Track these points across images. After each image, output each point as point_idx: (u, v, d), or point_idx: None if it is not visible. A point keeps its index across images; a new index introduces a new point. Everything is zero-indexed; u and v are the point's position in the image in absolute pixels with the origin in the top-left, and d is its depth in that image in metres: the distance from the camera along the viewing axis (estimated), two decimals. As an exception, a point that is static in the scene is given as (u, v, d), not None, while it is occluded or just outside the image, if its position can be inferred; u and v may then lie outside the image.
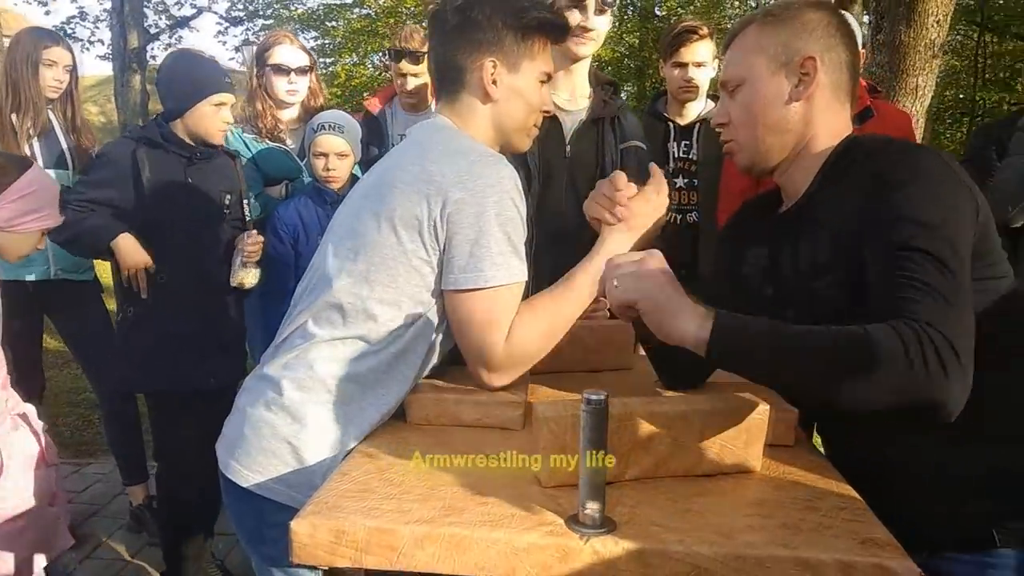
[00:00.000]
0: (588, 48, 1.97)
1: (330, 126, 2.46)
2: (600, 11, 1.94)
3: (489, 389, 1.28)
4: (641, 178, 2.20)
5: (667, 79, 2.79)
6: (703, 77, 2.72)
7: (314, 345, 1.27)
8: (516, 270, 1.25)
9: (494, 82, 1.34)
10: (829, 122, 1.21)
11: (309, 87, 2.87)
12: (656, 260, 1.09)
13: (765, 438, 1.11)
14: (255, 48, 3.00)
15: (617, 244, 1.33)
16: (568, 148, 2.01)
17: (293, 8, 16.09)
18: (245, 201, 2.47)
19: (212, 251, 2.37)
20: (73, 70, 2.76)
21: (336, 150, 2.46)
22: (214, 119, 2.33)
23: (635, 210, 1.34)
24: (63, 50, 2.70)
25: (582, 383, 1.03)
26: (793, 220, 1.24)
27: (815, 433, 1.37)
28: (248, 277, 2.39)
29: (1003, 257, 1.12)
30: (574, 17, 1.91)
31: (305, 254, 2.44)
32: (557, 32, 1.41)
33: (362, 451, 1.18)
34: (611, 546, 0.90)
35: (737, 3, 16.33)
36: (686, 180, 2.75)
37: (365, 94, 3.35)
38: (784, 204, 1.31)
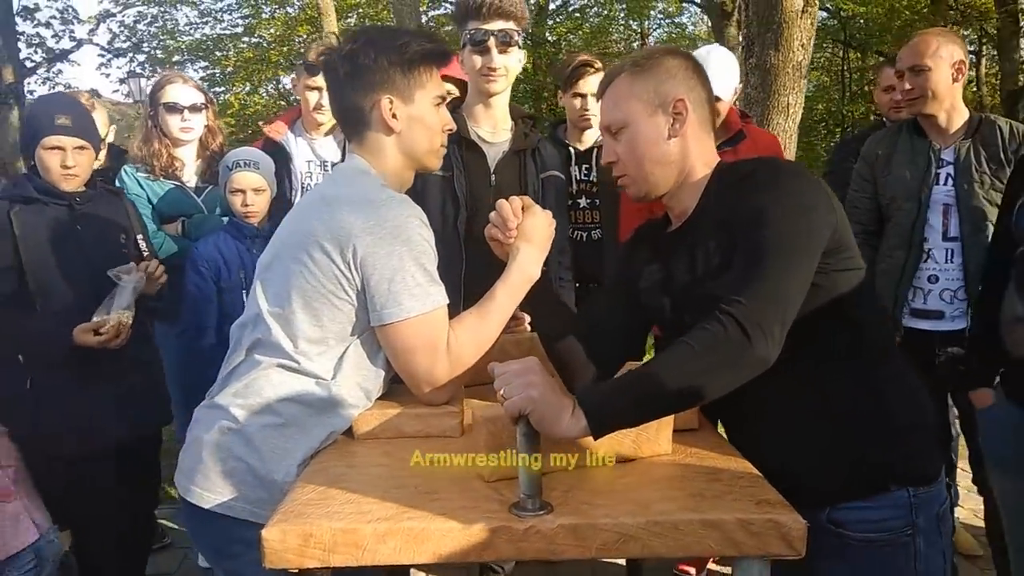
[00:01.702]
0: (498, 85, 2.13)
1: (245, 163, 2.53)
2: (502, 51, 2.10)
3: (432, 404, 1.41)
4: (558, 204, 2.38)
5: (567, 108, 2.99)
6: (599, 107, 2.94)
7: (262, 374, 1.37)
8: (435, 296, 1.39)
9: (394, 116, 1.46)
10: (701, 151, 1.41)
11: (207, 126, 2.92)
12: (534, 371, 1.14)
13: (673, 425, 1.29)
14: (149, 87, 3.00)
15: (526, 257, 1.49)
16: (493, 178, 2.15)
17: (180, 39, 15.71)
18: (139, 237, 2.42)
19: None
20: None
21: (253, 186, 2.52)
22: (50, 165, 2.18)
23: (530, 225, 1.51)
24: None
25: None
26: (684, 235, 1.43)
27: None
28: (125, 316, 2.12)
29: (858, 253, 1.35)
30: (479, 60, 2.07)
31: (227, 288, 2.48)
32: (439, 58, 1.52)
33: (316, 466, 1.29)
34: (549, 525, 1.04)
35: (622, 28, 17.07)
36: (588, 201, 2.95)
37: (260, 122, 3.33)
38: (672, 224, 1.50)
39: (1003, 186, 2.16)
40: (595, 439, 1.14)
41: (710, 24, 14.07)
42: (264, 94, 17.15)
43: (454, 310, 1.47)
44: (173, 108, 2.80)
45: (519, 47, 2.15)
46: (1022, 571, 1.92)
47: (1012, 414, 1.85)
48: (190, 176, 2.90)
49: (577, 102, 2.93)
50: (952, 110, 2.33)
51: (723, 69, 2.55)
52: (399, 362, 1.40)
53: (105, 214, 2.31)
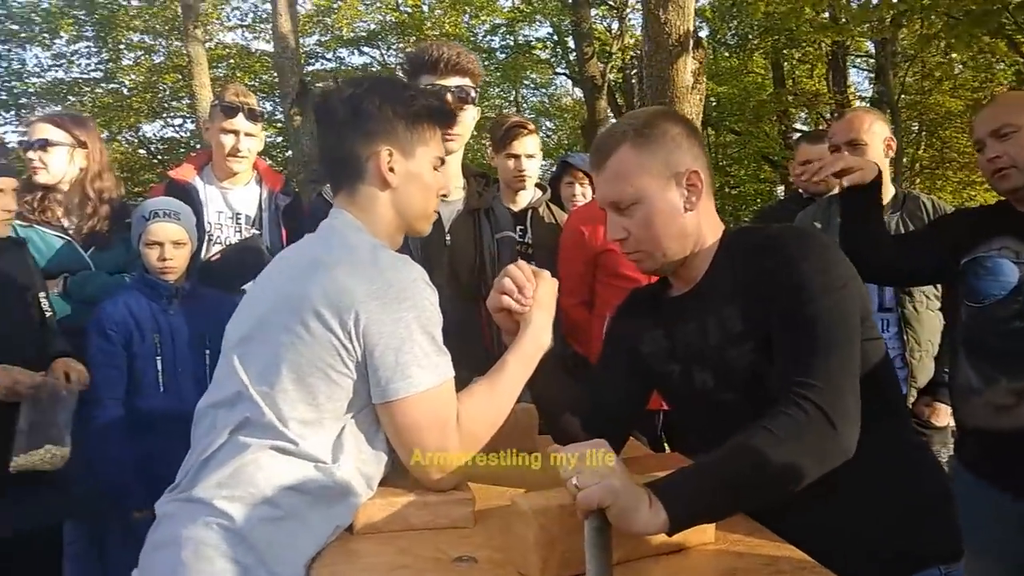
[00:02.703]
0: (455, 144, 2.03)
1: (164, 213, 2.27)
2: (459, 108, 2.01)
3: (439, 489, 1.26)
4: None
5: (500, 169, 2.94)
6: (533, 167, 2.92)
7: (251, 459, 1.16)
8: (443, 367, 1.26)
9: (391, 169, 1.35)
10: (710, 218, 1.38)
11: (83, 168, 2.56)
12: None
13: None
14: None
15: (540, 322, 1.39)
16: (448, 238, 2.04)
17: (28, 81, 14.53)
18: (43, 296, 2.13)
19: (17, 363, 1.92)
20: None
21: (172, 238, 2.26)
22: None
23: (542, 291, 1.41)
24: None
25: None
26: (692, 301, 1.37)
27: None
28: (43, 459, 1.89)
29: (874, 323, 1.33)
30: None
31: (141, 355, 2.18)
32: (445, 118, 1.46)
33: (322, 570, 1.09)
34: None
35: (497, 93, 17.52)
36: (523, 263, 2.88)
37: (168, 171, 3.02)
38: (675, 289, 1.44)
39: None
40: (670, 535, 1.03)
41: (582, 96, 14.70)
42: (123, 141, 16.15)
43: None
44: (30, 146, 2.49)
45: (474, 105, 2.08)
46: None
47: (968, 483, 1.89)
48: (72, 226, 2.55)
49: (511, 163, 2.89)
50: (883, 185, 2.45)
51: None
52: (403, 441, 1.23)
53: (10, 268, 1.98)
